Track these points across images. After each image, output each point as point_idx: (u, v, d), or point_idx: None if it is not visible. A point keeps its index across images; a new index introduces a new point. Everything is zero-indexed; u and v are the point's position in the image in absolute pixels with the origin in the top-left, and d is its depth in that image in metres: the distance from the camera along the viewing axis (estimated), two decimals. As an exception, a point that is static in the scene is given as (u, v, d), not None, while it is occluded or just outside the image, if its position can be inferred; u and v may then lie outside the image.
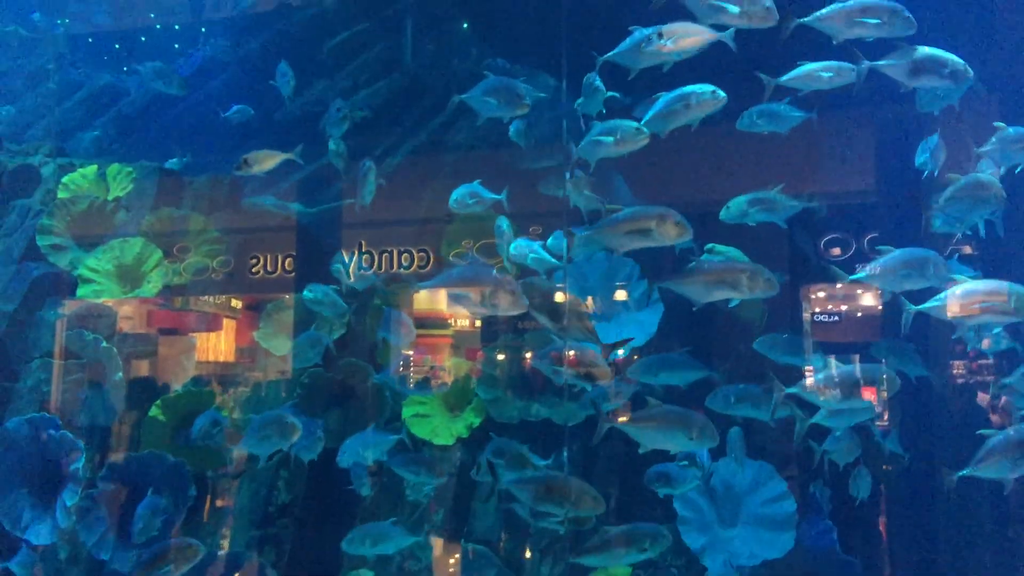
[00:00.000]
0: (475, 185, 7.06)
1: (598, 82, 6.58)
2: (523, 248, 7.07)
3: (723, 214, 6.59)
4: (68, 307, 8.60)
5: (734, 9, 5.12)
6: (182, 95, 8.53)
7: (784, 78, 5.79)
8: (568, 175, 6.44)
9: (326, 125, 7.71)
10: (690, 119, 5.63)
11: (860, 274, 5.80)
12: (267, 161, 7.24)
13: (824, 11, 5.46)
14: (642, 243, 5.56)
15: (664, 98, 5.65)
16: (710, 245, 6.99)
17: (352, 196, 8.89)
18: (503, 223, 7.11)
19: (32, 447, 7.64)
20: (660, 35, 5.54)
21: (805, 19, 5.48)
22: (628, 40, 5.66)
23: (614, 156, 5.95)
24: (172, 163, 9.07)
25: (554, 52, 6.76)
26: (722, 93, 5.51)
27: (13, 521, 7.54)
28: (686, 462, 6.48)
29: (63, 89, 10.22)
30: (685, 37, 5.52)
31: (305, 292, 7.75)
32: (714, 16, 5.20)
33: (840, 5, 5.43)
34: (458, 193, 7.06)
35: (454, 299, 5.55)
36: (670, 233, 5.40)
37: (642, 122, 5.73)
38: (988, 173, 6.16)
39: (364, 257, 9.00)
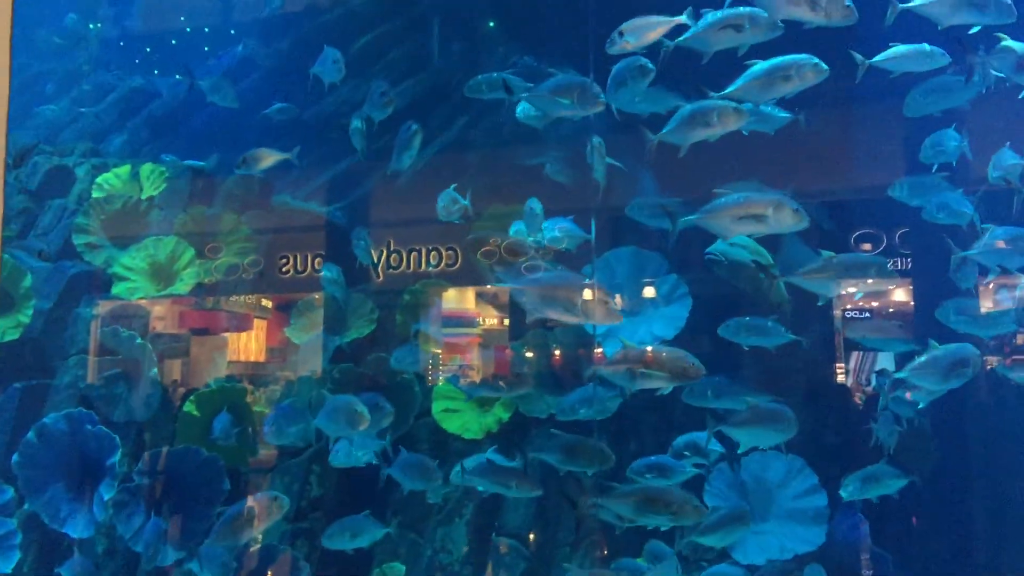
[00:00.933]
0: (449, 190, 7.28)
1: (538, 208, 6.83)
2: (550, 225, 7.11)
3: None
4: (103, 305, 8.72)
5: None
6: (235, 107, 8.55)
7: (877, 59, 5.83)
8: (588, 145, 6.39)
9: (368, 108, 7.62)
10: (788, 91, 5.50)
11: (972, 251, 5.99)
12: (266, 159, 7.34)
13: None
14: (752, 229, 5.52)
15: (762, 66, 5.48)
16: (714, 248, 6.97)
17: (380, 196, 9.02)
18: (535, 204, 7.07)
19: (70, 442, 7.76)
20: (621, 33, 5.59)
21: (909, 4, 5.51)
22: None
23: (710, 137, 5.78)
24: (203, 163, 9.18)
25: (581, 47, 6.77)
26: (824, 66, 5.39)
27: (52, 515, 7.66)
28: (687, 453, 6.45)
29: (96, 91, 10.38)
30: (647, 31, 5.59)
31: (324, 270, 7.85)
32: (788, 11, 5.13)
33: None
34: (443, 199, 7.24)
35: (542, 303, 5.27)
36: (786, 220, 5.33)
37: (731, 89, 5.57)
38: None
39: (393, 256, 9.05)
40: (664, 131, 5.78)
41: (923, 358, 5.85)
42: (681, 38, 5.57)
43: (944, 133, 6.58)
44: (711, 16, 5.42)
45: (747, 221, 5.41)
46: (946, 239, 6.44)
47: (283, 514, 6.72)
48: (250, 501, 6.71)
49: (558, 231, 7.00)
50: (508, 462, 6.83)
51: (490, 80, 7.44)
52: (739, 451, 6.32)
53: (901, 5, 5.60)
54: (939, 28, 5.63)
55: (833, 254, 5.97)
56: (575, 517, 7.26)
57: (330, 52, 7.62)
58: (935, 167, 6.61)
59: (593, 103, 5.91)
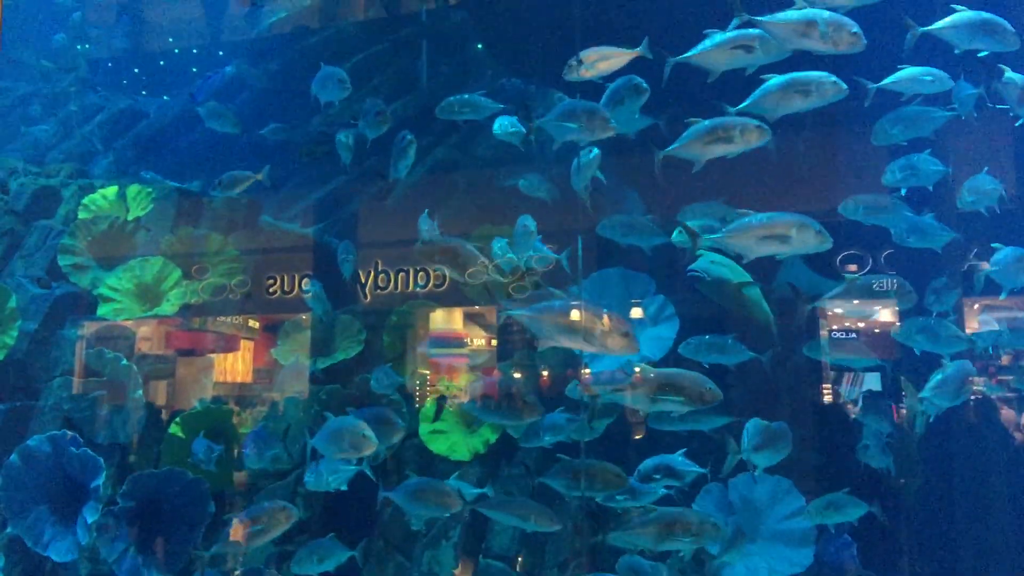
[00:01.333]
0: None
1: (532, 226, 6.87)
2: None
3: None
4: (88, 327, 8.68)
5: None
6: (236, 132, 8.53)
7: (885, 82, 5.96)
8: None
9: (363, 127, 7.60)
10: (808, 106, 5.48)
11: (989, 269, 6.11)
12: (240, 183, 7.38)
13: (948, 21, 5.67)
14: (775, 249, 5.43)
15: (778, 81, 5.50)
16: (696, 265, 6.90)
17: (368, 216, 9.02)
18: (528, 221, 7.04)
19: (54, 464, 7.70)
20: (579, 61, 5.65)
21: (929, 28, 5.65)
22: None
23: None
24: (191, 184, 9.17)
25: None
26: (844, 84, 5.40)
27: (35, 538, 7.59)
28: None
29: (83, 112, 10.37)
30: (603, 60, 5.70)
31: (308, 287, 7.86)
32: (797, 42, 5.14)
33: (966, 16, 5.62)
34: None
35: (556, 333, 5.13)
36: (809, 240, 5.30)
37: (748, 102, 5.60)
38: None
39: (380, 276, 9.04)
40: (676, 145, 5.71)
41: (939, 377, 5.95)
42: (684, 55, 5.57)
43: (915, 157, 6.66)
44: (720, 36, 5.42)
45: (771, 241, 5.37)
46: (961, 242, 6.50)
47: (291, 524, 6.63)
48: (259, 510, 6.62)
49: (532, 252, 7.04)
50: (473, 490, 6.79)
51: (461, 101, 7.48)
52: (722, 474, 6.30)
53: (921, 29, 5.73)
54: (956, 52, 5.79)
55: (857, 275, 6.00)
56: (561, 538, 7.22)
57: (333, 71, 7.56)
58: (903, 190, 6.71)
59: (604, 128, 5.94)
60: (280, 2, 7.94)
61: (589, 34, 6.70)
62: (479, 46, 9.37)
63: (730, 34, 5.36)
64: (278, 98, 9.53)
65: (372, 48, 9.48)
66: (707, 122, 5.58)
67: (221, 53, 10.80)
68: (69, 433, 7.79)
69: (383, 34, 9.59)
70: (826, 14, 5.01)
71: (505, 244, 7.19)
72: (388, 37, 9.56)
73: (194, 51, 11.04)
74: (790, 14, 5.07)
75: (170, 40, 11.28)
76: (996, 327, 7.58)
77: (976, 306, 7.98)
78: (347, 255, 8.13)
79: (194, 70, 10.72)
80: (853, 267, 8.06)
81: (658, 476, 6.25)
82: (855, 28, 5.08)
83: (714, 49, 5.42)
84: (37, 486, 7.67)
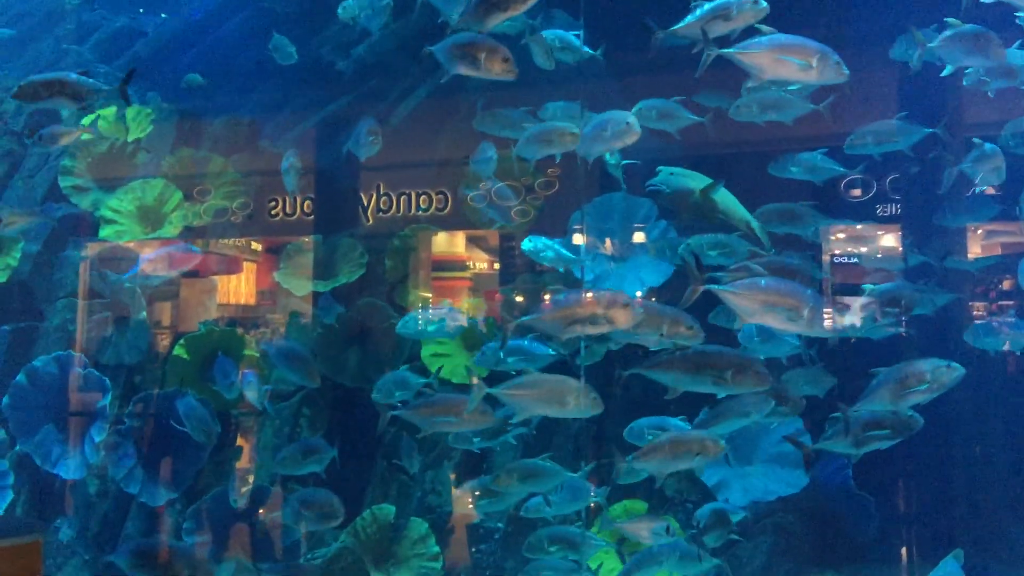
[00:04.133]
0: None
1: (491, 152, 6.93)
2: (540, 245, 7.14)
3: None
4: (91, 248, 8.69)
5: None
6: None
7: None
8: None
9: (353, 145, 7.57)
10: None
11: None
12: (64, 137, 7.34)
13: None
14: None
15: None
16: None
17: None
18: (489, 149, 7.20)
19: (60, 385, 7.80)
20: None
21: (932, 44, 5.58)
22: None
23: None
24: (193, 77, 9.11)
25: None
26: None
27: (43, 456, 7.74)
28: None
29: (80, 30, 10.20)
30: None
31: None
32: (775, 72, 5.02)
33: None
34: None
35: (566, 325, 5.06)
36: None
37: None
38: None
39: (383, 199, 9.01)
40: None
41: None
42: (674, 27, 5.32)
43: None
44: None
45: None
46: None
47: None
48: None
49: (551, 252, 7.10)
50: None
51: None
52: None
53: (929, 44, 5.61)
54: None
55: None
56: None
57: (364, 124, 7.59)
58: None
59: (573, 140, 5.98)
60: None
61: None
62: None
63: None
64: (272, 19, 9.36)
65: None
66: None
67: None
68: (74, 354, 7.87)
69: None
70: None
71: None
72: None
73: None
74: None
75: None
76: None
77: (979, 231, 7.95)
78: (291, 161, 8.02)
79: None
80: (857, 192, 8.01)
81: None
82: (837, 57, 4.94)
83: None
84: (44, 406, 7.78)
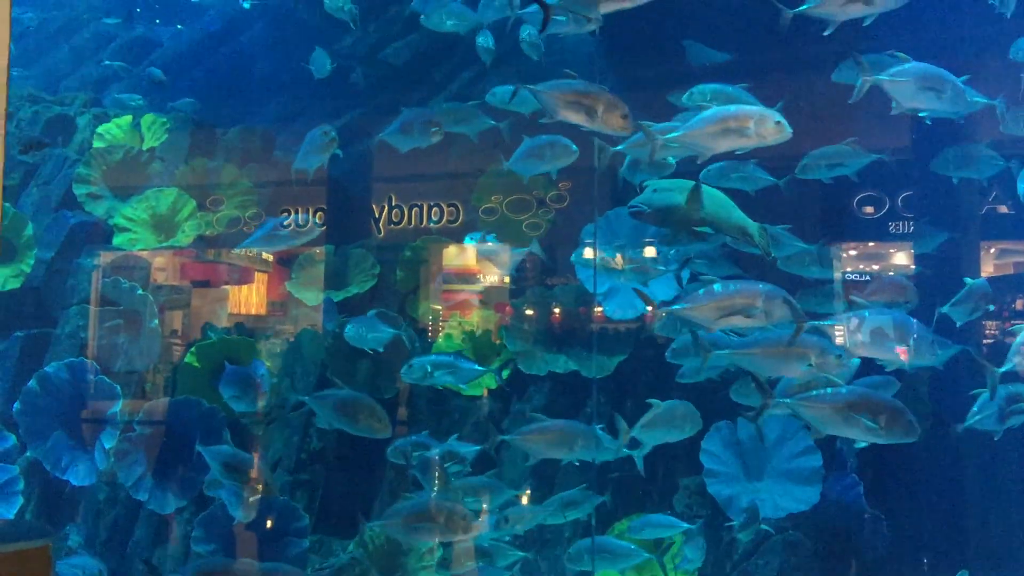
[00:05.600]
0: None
1: None
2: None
3: None
4: (104, 256, 8.73)
5: None
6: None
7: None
8: None
9: (305, 155, 7.28)
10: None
11: None
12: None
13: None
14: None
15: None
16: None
17: (381, 150, 8.94)
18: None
19: (71, 391, 7.82)
20: None
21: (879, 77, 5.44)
22: None
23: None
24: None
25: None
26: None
27: (53, 462, 7.75)
28: None
29: (97, 40, 10.29)
30: None
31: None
32: (727, 144, 5.03)
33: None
34: None
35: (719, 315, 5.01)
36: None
37: None
38: None
39: (394, 211, 9.03)
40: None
41: None
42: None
43: None
44: None
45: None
46: None
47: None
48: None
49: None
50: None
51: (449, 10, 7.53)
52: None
53: (873, 78, 5.38)
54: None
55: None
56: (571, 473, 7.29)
57: (317, 131, 7.41)
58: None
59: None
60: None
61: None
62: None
63: None
64: (291, 30, 9.43)
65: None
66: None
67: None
68: (86, 360, 7.90)
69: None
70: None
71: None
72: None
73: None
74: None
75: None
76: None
77: (992, 250, 7.93)
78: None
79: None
80: (870, 209, 7.99)
81: None
82: (779, 116, 4.93)
83: None
84: (55, 412, 7.80)
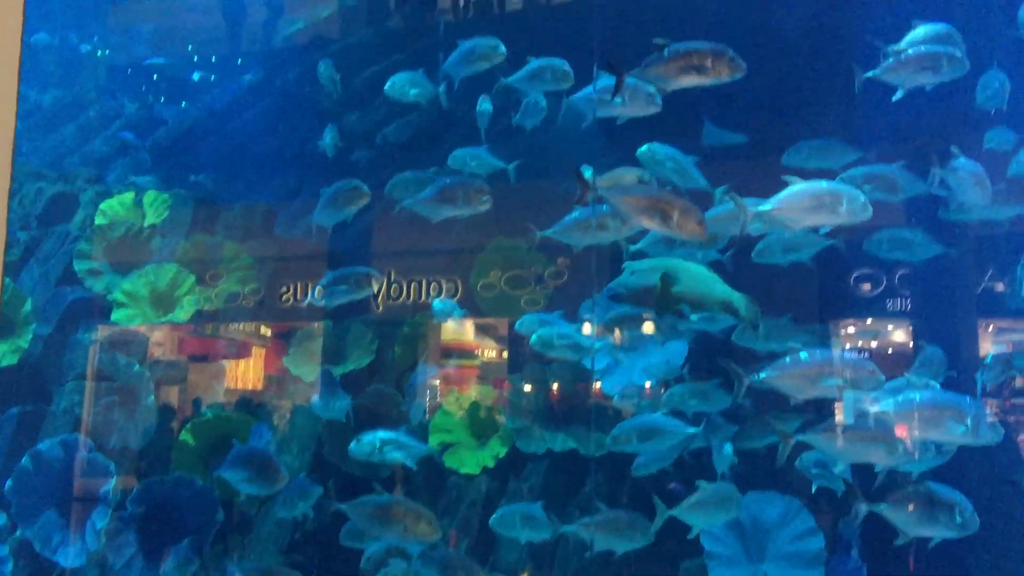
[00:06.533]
0: None
1: None
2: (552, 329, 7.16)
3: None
4: (102, 331, 8.73)
5: None
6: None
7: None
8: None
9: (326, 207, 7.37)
10: None
11: None
12: None
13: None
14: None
15: None
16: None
17: (381, 226, 9.01)
18: None
19: (64, 469, 7.73)
20: None
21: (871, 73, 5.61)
22: None
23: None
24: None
25: (587, 78, 6.78)
26: None
27: (44, 542, 7.62)
28: None
29: (102, 118, 10.45)
30: None
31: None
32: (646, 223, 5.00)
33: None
34: None
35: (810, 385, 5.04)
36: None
37: None
38: None
39: (393, 287, 9.06)
40: None
41: None
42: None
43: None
44: None
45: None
46: None
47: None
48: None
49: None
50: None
51: (412, 79, 7.77)
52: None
53: (866, 75, 5.65)
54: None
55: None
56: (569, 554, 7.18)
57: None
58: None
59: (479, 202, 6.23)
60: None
61: (608, 43, 6.67)
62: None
63: None
64: (293, 108, 9.58)
65: (390, 58, 9.50)
66: None
67: (240, 61, 10.88)
68: (80, 437, 7.83)
69: (401, 44, 9.62)
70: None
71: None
72: (406, 47, 9.58)
73: (213, 59, 11.12)
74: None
75: (189, 47, 11.36)
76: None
77: (990, 327, 7.93)
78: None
79: (212, 78, 10.81)
80: (867, 286, 8.02)
81: None
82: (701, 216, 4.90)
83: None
84: (47, 490, 7.70)
